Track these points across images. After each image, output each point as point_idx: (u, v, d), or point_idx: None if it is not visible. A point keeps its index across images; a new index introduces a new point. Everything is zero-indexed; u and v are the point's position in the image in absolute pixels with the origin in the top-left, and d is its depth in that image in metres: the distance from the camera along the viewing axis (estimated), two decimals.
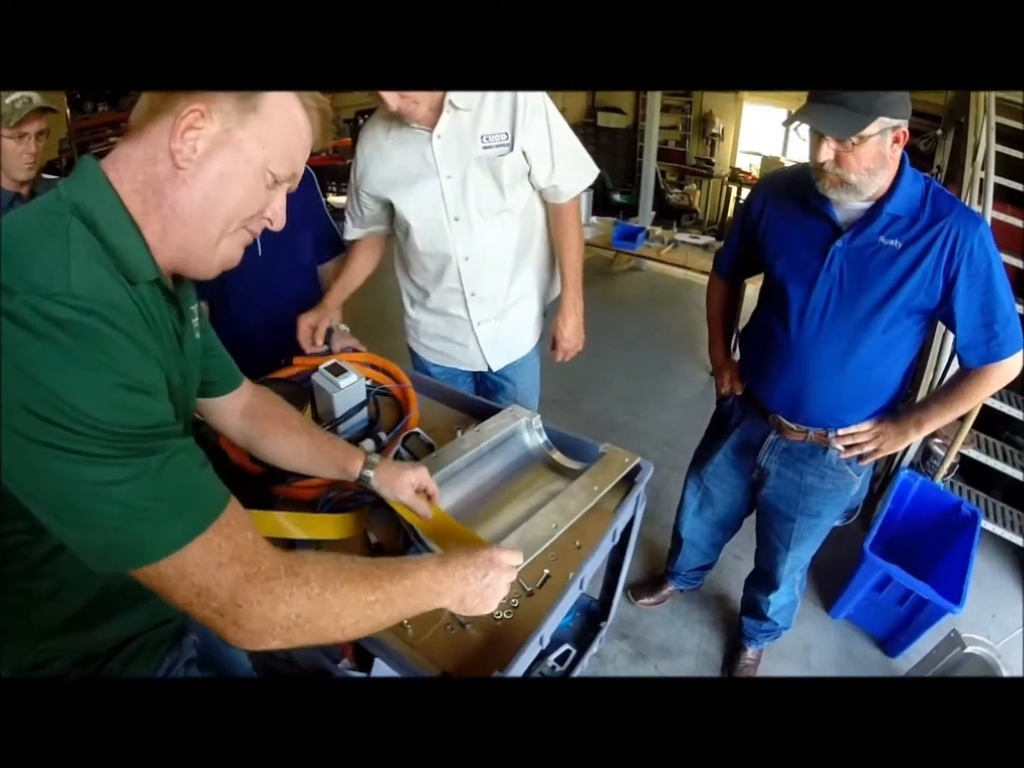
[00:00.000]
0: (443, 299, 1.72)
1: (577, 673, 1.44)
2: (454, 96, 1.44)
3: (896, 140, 1.17)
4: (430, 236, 1.61)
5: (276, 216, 0.77)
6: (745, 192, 6.27)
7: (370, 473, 1.09)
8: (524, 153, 1.53)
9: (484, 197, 1.55)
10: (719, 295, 1.69)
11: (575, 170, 1.63)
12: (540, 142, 1.54)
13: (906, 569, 1.94)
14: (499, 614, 1.05)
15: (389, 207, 1.65)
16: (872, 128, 1.12)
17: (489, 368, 1.83)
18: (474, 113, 1.49)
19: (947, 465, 2.43)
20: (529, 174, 1.59)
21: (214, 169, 0.69)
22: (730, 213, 6.50)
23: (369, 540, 1.15)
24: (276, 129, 0.71)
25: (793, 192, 1.36)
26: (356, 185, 1.68)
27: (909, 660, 2.03)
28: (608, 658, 2.01)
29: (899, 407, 1.44)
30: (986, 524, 2.35)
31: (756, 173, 6.34)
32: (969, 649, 1.75)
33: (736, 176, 6.43)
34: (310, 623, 0.67)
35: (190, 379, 0.84)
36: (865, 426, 1.41)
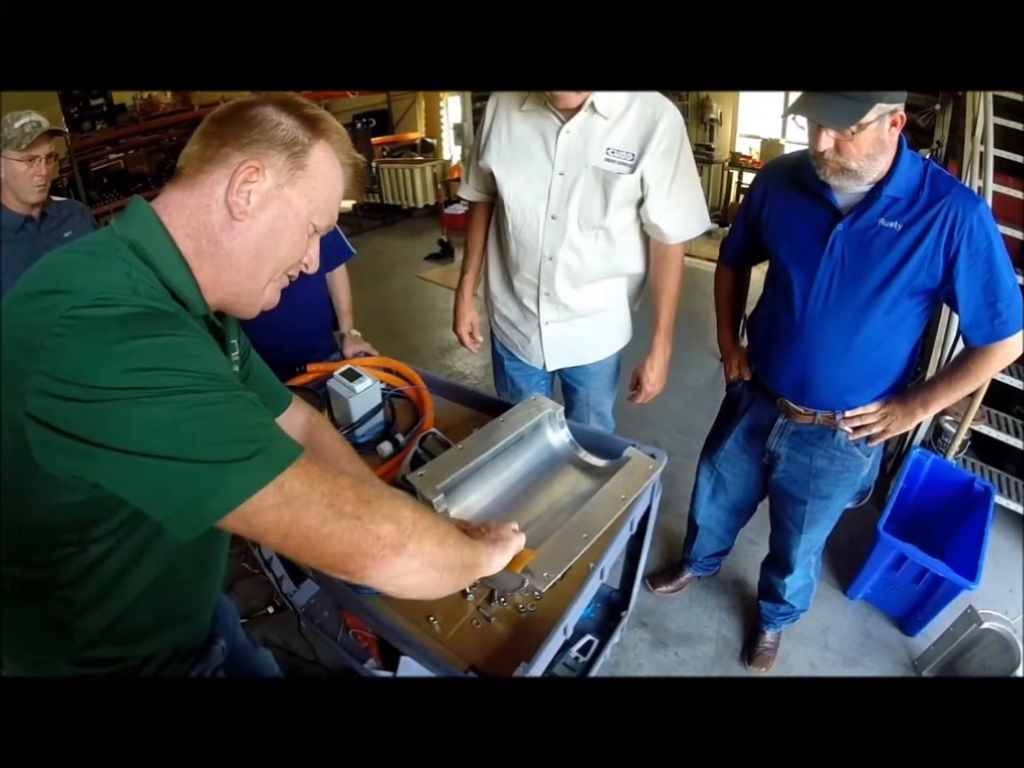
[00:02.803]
0: (520, 288, 1.72)
1: (600, 663, 1.46)
2: (597, 99, 1.42)
3: (894, 124, 1.18)
4: (522, 224, 1.60)
5: (312, 262, 0.84)
6: (747, 177, 6.25)
7: None
8: (642, 180, 1.49)
9: (587, 207, 1.53)
10: (726, 283, 1.71)
11: (686, 217, 1.59)
12: (662, 176, 1.50)
13: (921, 547, 1.95)
14: (523, 607, 1.08)
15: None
16: (870, 115, 1.14)
17: (544, 366, 1.83)
18: (611, 122, 1.46)
19: (959, 442, 2.43)
20: (640, 203, 1.56)
21: (267, 222, 0.74)
22: (732, 198, 6.46)
23: None
24: (319, 185, 0.77)
25: (794, 179, 1.37)
26: (476, 147, 1.67)
27: (927, 638, 2.04)
28: (629, 646, 2.04)
29: (906, 387, 1.45)
30: (1000, 500, 2.36)
31: (757, 157, 6.29)
32: (986, 625, 1.76)
33: (736, 161, 6.38)
34: (424, 522, 0.71)
35: None
36: (872, 407, 1.43)
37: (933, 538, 2.23)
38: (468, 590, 1.09)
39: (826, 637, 2.10)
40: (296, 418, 1.06)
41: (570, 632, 1.04)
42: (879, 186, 1.25)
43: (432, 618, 1.06)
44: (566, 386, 1.98)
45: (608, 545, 1.15)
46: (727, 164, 6.49)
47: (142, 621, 0.82)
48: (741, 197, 6.41)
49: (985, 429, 2.49)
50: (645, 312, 1.83)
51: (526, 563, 0.98)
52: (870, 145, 1.18)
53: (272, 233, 0.75)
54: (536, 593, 1.09)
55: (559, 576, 1.01)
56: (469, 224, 1.86)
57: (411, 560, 0.67)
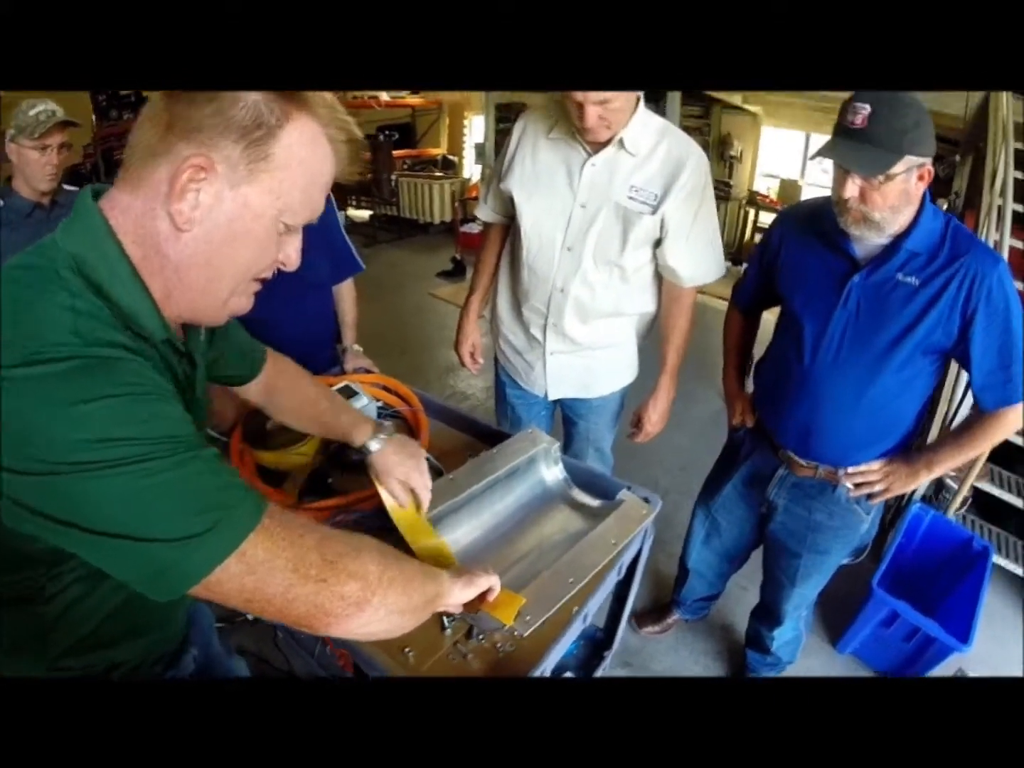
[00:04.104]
0: (528, 316, 1.71)
1: None
2: (626, 136, 1.42)
3: (920, 178, 1.17)
4: (537, 251, 1.59)
5: (290, 260, 0.72)
6: (764, 216, 6.25)
7: (374, 447, 1.11)
8: (663, 221, 1.48)
9: (604, 243, 1.52)
10: (736, 327, 1.69)
11: (703, 262, 1.58)
12: (682, 220, 1.49)
13: (915, 604, 1.92)
14: (501, 645, 1.06)
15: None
16: (899, 167, 1.12)
17: (547, 395, 1.82)
18: (638, 160, 1.46)
19: (960, 499, 2.40)
20: (657, 244, 1.55)
21: (219, 230, 0.63)
22: (748, 236, 6.47)
23: None
24: (292, 176, 0.63)
25: (813, 225, 1.36)
26: (498, 169, 1.67)
27: None
28: None
29: (911, 446, 1.43)
30: (998, 559, 2.33)
31: (775, 196, 6.31)
32: None
33: (754, 199, 6.39)
34: (390, 573, 0.70)
35: (198, 416, 0.84)
36: (876, 465, 1.40)
37: (928, 595, 2.19)
38: (446, 623, 1.07)
39: None
40: (267, 369, 1.08)
41: (548, 674, 1.02)
42: (899, 239, 1.23)
43: (408, 649, 1.03)
44: (567, 418, 1.97)
45: (595, 589, 1.12)
46: (744, 202, 6.51)
47: (112, 633, 0.80)
48: (758, 236, 6.43)
49: (987, 487, 2.46)
50: (651, 348, 1.82)
51: (518, 607, 0.96)
52: (896, 196, 1.17)
53: (228, 243, 0.64)
54: (517, 633, 1.07)
55: (541, 622, 0.99)
56: (482, 244, 1.85)
57: (375, 613, 0.67)
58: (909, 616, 1.89)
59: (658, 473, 3.03)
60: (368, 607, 0.66)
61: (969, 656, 1.85)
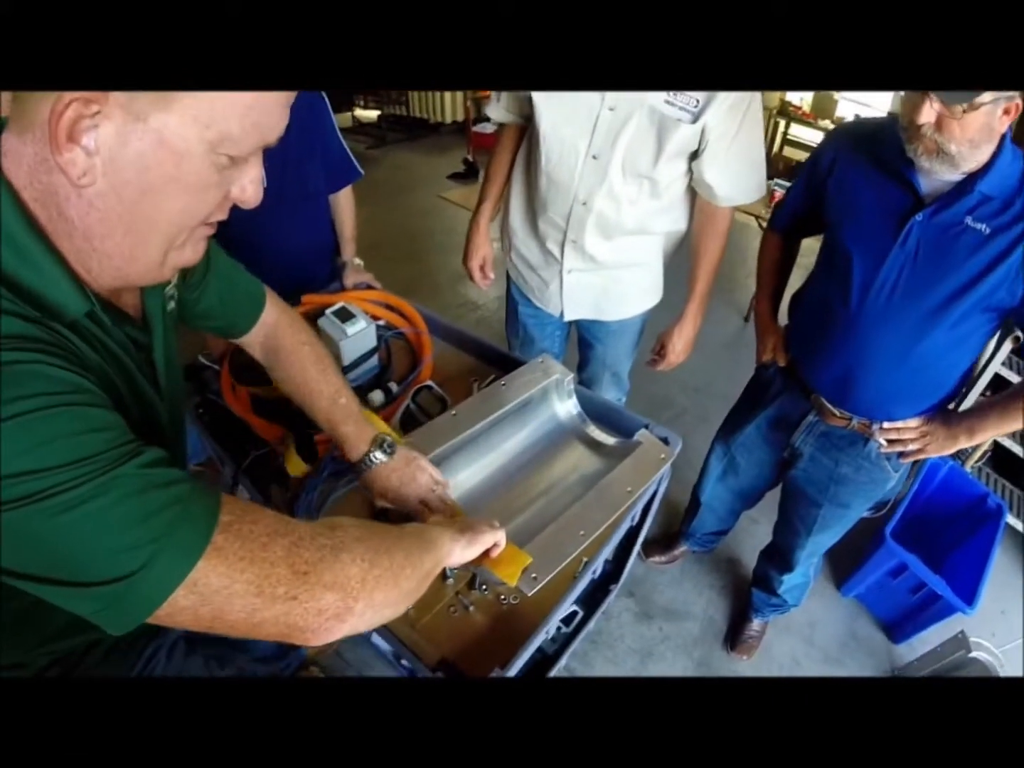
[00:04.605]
0: (544, 230, 1.55)
1: (584, 633, 1.39)
2: None
3: (1006, 112, 0.99)
4: (557, 159, 1.40)
5: (247, 196, 0.57)
6: (794, 128, 5.86)
7: (371, 463, 0.96)
8: (703, 131, 1.30)
9: (635, 152, 1.33)
10: (772, 251, 1.52)
11: (743, 179, 1.41)
12: (725, 131, 1.30)
13: (922, 554, 1.87)
14: (505, 597, 0.99)
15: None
16: (986, 96, 0.94)
17: (562, 315, 1.68)
18: None
19: (980, 451, 2.30)
20: (694, 156, 1.37)
21: (130, 182, 0.48)
22: (776, 149, 6.08)
23: (373, 505, 1.08)
24: (233, 94, 0.48)
25: (872, 149, 1.18)
26: None
27: (912, 649, 1.99)
28: (614, 615, 1.99)
29: (949, 406, 1.31)
30: (1010, 519, 2.26)
31: (807, 108, 5.88)
32: (974, 654, 1.71)
33: (785, 109, 5.95)
34: (376, 570, 0.59)
35: (168, 392, 0.72)
36: (913, 423, 1.28)
37: (936, 545, 2.14)
38: (448, 572, 1.00)
39: (812, 632, 2.04)
40: (265, 321, 0.95)
41: (552, 634, 0.95)
42: (972, 179, 1.06)
43: None
44: (583, 340, 1.84)
45: (606, 540, 1.05)
46: (775, 112, 6.07)
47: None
48: (787, 149, 6.06)
49: (1009, 443, 2.35)
50: (676, 268, 1.67)
51: (522, 567, 0.88)
52: (976, 130, 0.99)
53: (146, 196, 0.49)
54: (522, 591, 0.99)
55: (549, 578, 0.91)
56: (495, 147, 1.66)
57: (360, 618, 0.57)
58: (918, 570, 1.84)
59: (673, 392, 2.92)
60: (351, 615, 0.56)
61: (972, 619, 1.80)
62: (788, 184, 3.60)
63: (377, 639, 0.95)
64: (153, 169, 0.48)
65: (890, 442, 1.30)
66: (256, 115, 0.50)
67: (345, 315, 1.27)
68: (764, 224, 3.50)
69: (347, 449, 0.97)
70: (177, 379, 0.78)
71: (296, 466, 1.09)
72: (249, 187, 0.56)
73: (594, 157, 1.34)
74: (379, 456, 0.96)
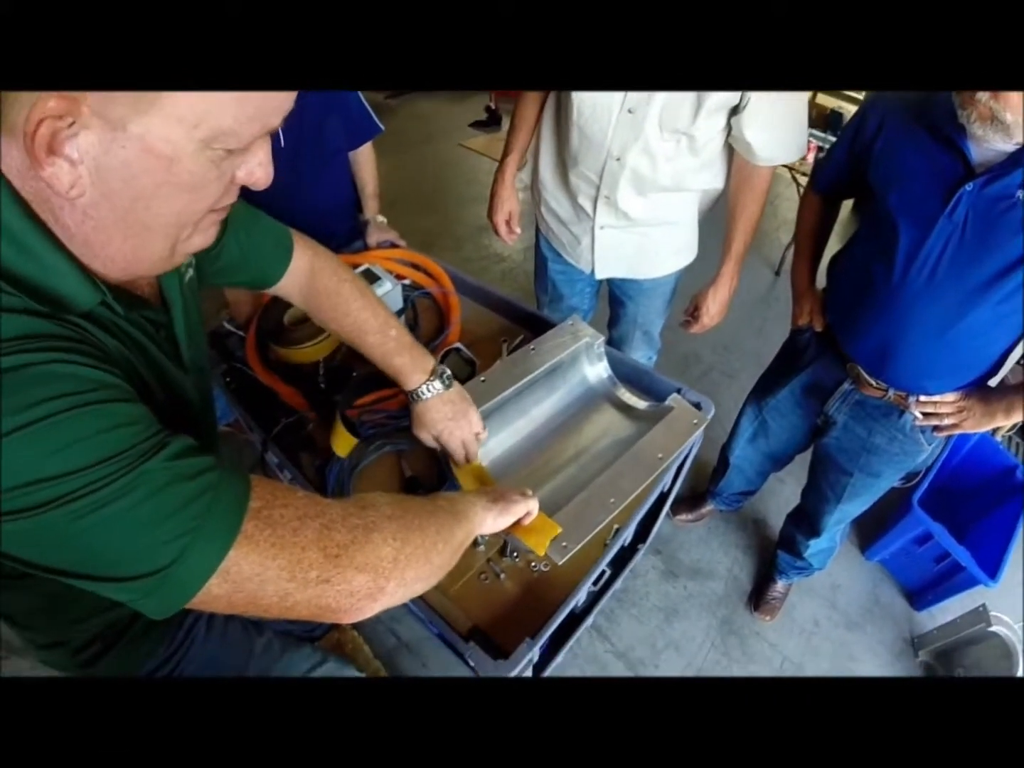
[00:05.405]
0: (576, 184, 1.49)
1: (611, 591, 1.39)
2: None
3: None
4: (590, 113, 1.34)
5: (256, 178, 0.54)
6: None
7: (424, 395, 0.96)
8: None
9: (673, 106, 1.26)
10: (813, 213, 1.45)
11: (783, 136, 1.34)
12: None
13: (948, 524, 1.85)
14: (535, 564, 0.99)
15: None
16: None
17: (593, 272, 1.63)
18: None
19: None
20: (734, 113, 1.30)
21: (119, 192, 0.45)
22: (809, 95, 5.79)
23: (404, 472, 1.08)
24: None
25: (922, 113, 1.10)
26: None
27: (933, 618, 1.99)
28: (640, 573, 2.00)
29: (987, 382, 1.26)
30: None
31: None
32: (994, 628, 1.70)
33: None
34: (408, 548, 0.59)
35: (192, 360, 0.70)
36: (950, 397, 1.23)
37: (961, 516, 2.10)
38: (480, 539, 1.00)
39: (835, 595, 2.04)
40: (299, 265, 0.91)
41: (581, 607, 0.95)
42: None
43: None
44: (614, 298, 1.79)
45: (637, 507, 1.03)
46: None
47: None
48: (819, 96, 5.78)
49: None
50: (711, 228, 1.61)
51: (551, 537, 0.87)
52: None
53: (140, 202, 0.46)
54: (552, 559, 0.99)
55: (578, 548, 0.90)
56: (520, 96, 1.58)
57: (392, 595, 0.57)
58: (944, 540, 1.82)
59: (701, 349, 2.86)
60: (383, 595, 0.56)
61: (994, 593, 1.78)
62: (821, 134, 3.44)
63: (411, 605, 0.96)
64: (141, 176, 0.45)
65: (926, 415, 1.26)
66: (252, 106, 0.46)
67: (371, 277, 1.24)
68: (796, 175, 3.37)
69: (403, 379, 0.96)
70: (202, 350, 0.76)
71: (345, 443, 1.05)
72: (258, 170, 0.53)
73: (629, 111, 1.28)
74: (437, 386, 0.96)
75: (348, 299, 0.93)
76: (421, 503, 0.68)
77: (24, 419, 0.41)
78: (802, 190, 1.53)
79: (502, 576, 0.97)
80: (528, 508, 0.85)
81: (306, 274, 0.92)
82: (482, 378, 1.10)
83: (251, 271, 0.86)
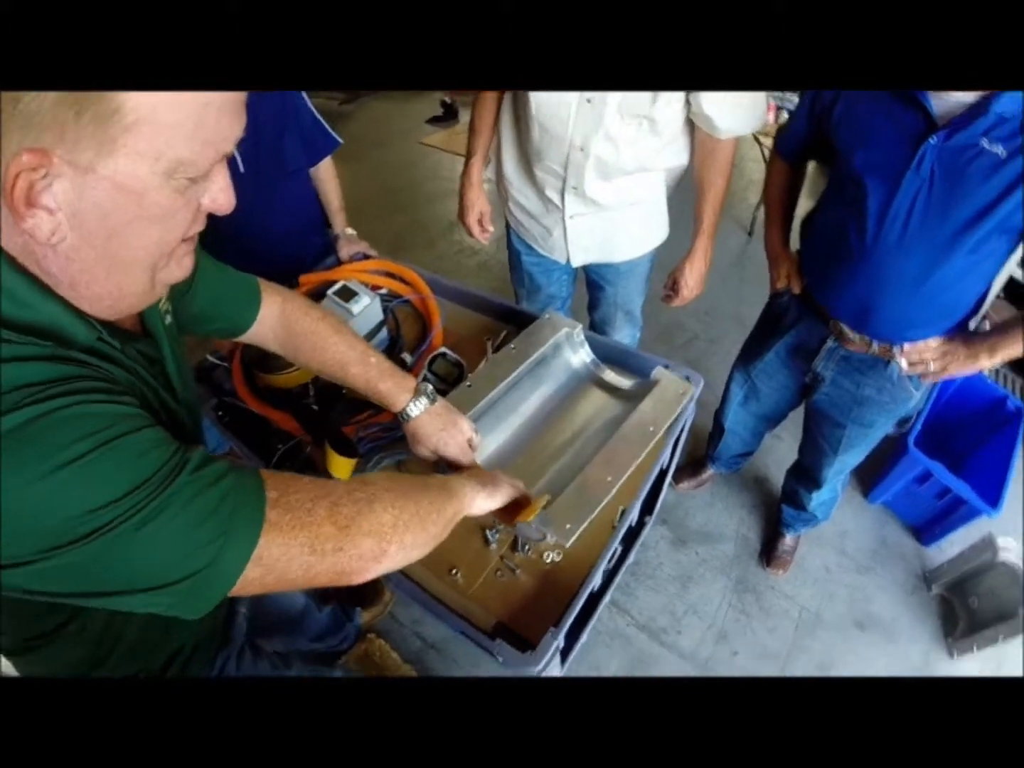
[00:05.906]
0: (542, 178, 1.50)
1: (625, 566, 1.42)
2: None
3: None
4: (548, 106, 1.35)
5: (219, 204, 0.56)
6: None
7: (413, 413, 0.97)
8: None
9: (632, 92, 1.27)
10: (780, 178, 1.46)
11: (742, 109, 1.35)
12: None
13: (944, 458, 1.88)
14: (548, 555, 1.01)
15: None
16: None
17: (568, 261, 1.65)
18: None
19: None
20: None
21: (96, 233, 0.48)
22: None
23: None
24: (165, 120, 0.46)
25: None
26: None
27: (942, 551, 2.03)
28: (650, 544, 2.03)
29: (967, 325, 1.28)
30: None
31: None
32: (1001, 557, 1.74)
33: None
34: (405, 516, 0.67)
35: (183, 395, 0.74)
36: (933, 343, 1.26)
37: (955, 449, 2.15)
38: (490, 537, 1.02)
39: (843, 542, 2.07)
40: (270, 311, 0.94)
41: (597, 588, 0.97)
42: (988, 98, 0.99)
43: (455, 571, 0.99)
44: (592, 283, 1.81)
45: (639, 485, 1.05)
46: None
47: (160, 627, 0.81)
48: None
49: None
50: (680, 202, 1.62)
51: (537, 511, 0.89)
52: None
53: (116, 238, 0.50)
54: (560, 543, 1.01)
55: (583, 527, 0.92)
56: (477, 97, 1.59)
57: (394, 558, 0.65)
58: (943, 477, 1.86)
59: (683, 317, 2.88)
60: (386, 557, 0.64)
61: (998, 520, 1.81)
62: (780, 93, 3.44)
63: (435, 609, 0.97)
64: (114, 214, 0.48)
65: (911, 364, 1.29)
66: (204, 134, 0.49)
67: (347, 294, 1.25)
68: (758, 136, 3.38)
69: (390, 403, 0.98)
70: (190, 387, 0.79)
71: (344, 467, 1.03)
72: (220, 196, 0.56)
73: (588, 101, 1.29)
74: (423, 402, 0.98)
75: (326, 336, 0.95)
76: (413, 479, 0.76)
77: (60, 458, 0.44)
78: (766, 151, 1.54)
79: (517, 571, 0.99)
80: (516, 493, 0.89)
81: (279, 319, 0.94)
82: (468, 383, 1.12)
83: (222, 319, 0.89)
